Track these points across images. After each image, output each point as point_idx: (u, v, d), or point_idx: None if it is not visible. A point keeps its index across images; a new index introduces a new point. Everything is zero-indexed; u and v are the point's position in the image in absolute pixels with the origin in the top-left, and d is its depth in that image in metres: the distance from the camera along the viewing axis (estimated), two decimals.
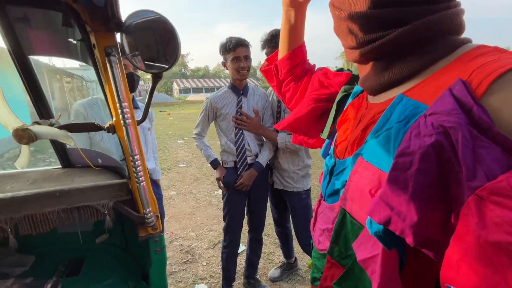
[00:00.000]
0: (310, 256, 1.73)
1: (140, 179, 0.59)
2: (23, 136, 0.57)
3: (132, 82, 1.40)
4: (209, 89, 44.35)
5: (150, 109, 1.56)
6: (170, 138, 7.90)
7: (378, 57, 0.46)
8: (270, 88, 1.77)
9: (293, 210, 1.69)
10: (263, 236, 2.44)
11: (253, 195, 1.70)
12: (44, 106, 0.71)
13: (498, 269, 0.28)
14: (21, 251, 0.87)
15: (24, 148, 0.62)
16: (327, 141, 0.65)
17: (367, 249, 0.45)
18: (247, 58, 1.54)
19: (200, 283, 1.96)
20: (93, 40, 0.54)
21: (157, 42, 0.57)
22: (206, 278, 2.01)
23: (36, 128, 0.59)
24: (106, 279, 0.82)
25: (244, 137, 1.63)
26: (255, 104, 1.64)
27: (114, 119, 0.58)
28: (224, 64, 1.62)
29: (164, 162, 5.28)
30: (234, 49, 1.49)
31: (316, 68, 0.77)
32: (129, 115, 0.55)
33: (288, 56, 0.73)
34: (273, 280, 1.95)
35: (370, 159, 0.44)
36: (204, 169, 4.71)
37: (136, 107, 1.52)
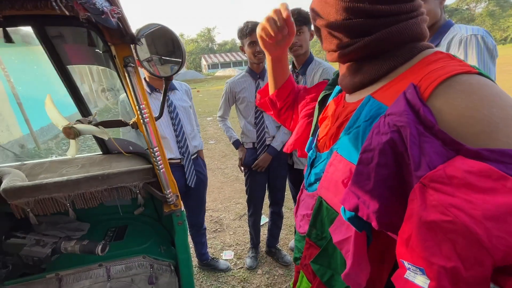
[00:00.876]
0: None
1: (160, 166, 0.72)
2: (70, 132, 0.72)
3: None
4: (236, 63, 43.73)
5: (188, 86, 1.70)
6: (200, 116, 8.21)
7: (352, 60, 0.52)
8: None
9: None
10: (287, 210, 2.59)
11: (272, 173, 1.81)
12: (83, 106, 0.85)
13: (435, 243, 0.32)
14: (80, 220, 1.10)
15: (72, 141, 0.78)
16: (310, 138, 0.69)
17: (341, 232, 0.51)
18: None
19: (227, 249, 2.20)
20: (113, 51, 0.64)
21: (164, 48, 0.66)
22: (233, 245, 2.24)
23: (79, 126, 0.73)
24: (144, 243, 1.01)
25: (264, 120, 1.69)
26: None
27: (136, 117, 0.70)
28: (241, 48, 1.65)
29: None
30: (251, 33, 1.50)
31: (301, 88, 0.81)
32: (147, 114, 0.66)
33: (278, 92, 0.78)
34: (293, 250, 2.11)
35: (343, 153, 0.49)
36: (232, 146, 4.92)
37: (173, 88, 1.57)
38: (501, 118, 0.34)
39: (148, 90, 1.50)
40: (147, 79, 1.51)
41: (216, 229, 2.49)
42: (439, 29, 1.13)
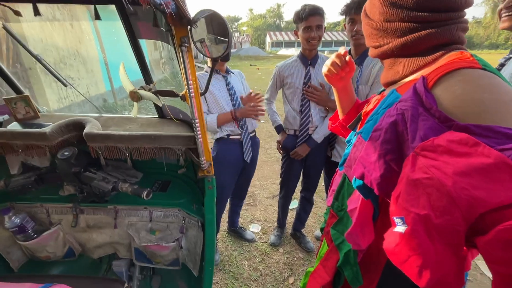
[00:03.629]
0: None
1: (199, 135, 0.83)
2: (134, 96, 0.87)
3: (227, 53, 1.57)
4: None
5: (242, 74, 1.81)
6: None
7: (388, 57, 0.59)
8: None
9: None
10: (320, 200, 2.59)
11: (309, 162, 1.82)
12: (147, 74, 1.01)
13: (416, 196, 0.38)
14: (136, 169, 1.32)
15: (135, 104, 0.94)
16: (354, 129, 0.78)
17: (354, 203, 0.60)
18: (320, 27, 1.49)
19: (256, 223, 2.35)
20: (173, 31, 0.74)
21: (214, 31, 0.73)
22: (261, 220, 2.38)
23: (141, 92, 0.87)
24: (181, 198, 1.18)
25: (310, 108, 1.66)
26: (323, 75, 1.61)
27: (184, 90, 0.81)
28: (295, 32, 1.62)
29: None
30: (307, 18, 1.46)
31: None
32: (193, 89, 0.76)
33: (347, 116, 0.87)
34: (317, 239, 2.14)
35: (364, 136, 0.56)
36: None
37: (229, 72, 1.67)
38: (490, 101, 0.39)
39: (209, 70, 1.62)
40: (208, 63, 1.63)
41: (249, 203, 2.65)
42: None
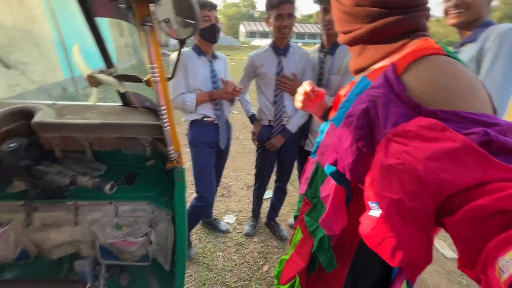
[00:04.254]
0: None
1: (165, 124, 0.78)
2: (92, 81, 0.79)
3: (214, 33, 1.50)
4: (311, 36, 42.05)
5: (226, 58, 1.75)
6: None
7: (357, 44, 0.59)
8: (313, 48, 1.71)
9: None
10: (294, 189, 2.64)
11: (284, 152, 1.82)
12: (107, 57, 0.92)
13: (389, 182, 0.39)
14: (100, 161, 1.23)
15: (94, 89, 0.86)
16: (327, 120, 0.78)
17: (327, 189, 0.61)
18: (291, 15, 1.47)
19: (230, 214, 2.34)
20: (134, 9, 0.67)
21: (181, 11, 0.67)
22: (236, 211, 2.38)
23: (100, 76, 0.80)
24: (149, 191, 1.12)
25: (283, 99, 1.65)
26: (296, 65, 1.61)
27: (149, 75, 0.75)
28: (267, 20, 1.58)
29: None
30: (278, 6, 1.43)
31: None
32: (158, 74, 0.70)
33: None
34: (291, 227, 2.20)
35: (337, 123, 0.57)
36: None
37: (217, 57, 1.64)
38: (456, 87, 0.41)
39: (195, 54, 1.57)
40: (197, 43, 1.58)
41: (224, 194, 2.63)
42: (479, 26, 1.09)
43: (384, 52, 0.53)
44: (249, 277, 1.71)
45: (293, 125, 1.68)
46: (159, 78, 0.71)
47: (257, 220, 2.17)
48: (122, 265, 1.34)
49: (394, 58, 0.50)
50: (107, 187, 0.89)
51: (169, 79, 0.78)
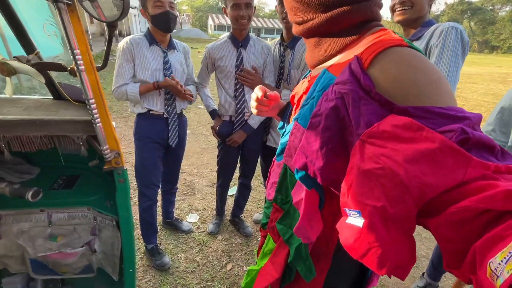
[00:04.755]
0: None
1: (96, 120, 0.68)
2: (3, 69, 0.66)
3: (167, 21, 1.36)
4: (268, 31, 41.72)
5: (187, 47, 1.63)
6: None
7: (313, 35, 0.55)
8: (274, 41, 1.68)
9: None
10: (259, 184, 2.63)
11: (246, 148, 1.79)
12: (26, 41, 0.78)
13: (369, 188, 0.37)
14: (32, 164, 1.07)
15: (8, 79, 0.72)
16: (284, 117, 0.75)
17: (299, 194, 0.56)
18: (249, 6, 1.41)
19: (194, 213, 2.25)
20: None
21: None
22: (200, 210, 2.30)
23: (14, 63, 0.67)
24: (91, 196, 1.00)
25: (244, 93, 1.60)
26: (256, 57, 1.56)
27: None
28: (224, 10, 1.51)
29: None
30: None
31: None
32: (81, 62, 0.60)
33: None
34: (256, 222, 2.18)
35: (301, 122, 0.53)
36: None
37: (173, 48, 1.52)
38: (424, 82, 0.40)
39: (147, 42, 1.43)
40: (150, 30, 1.44)
41: (187, 193, 2.53)
42: (423, 24, 1.15)
43: (342, 44, 0.51)
44: (212, 278, 1.66)
45: (254, 120, 1.64)
46: (83, 67, 0.61)
47: (221, 217, 2.11)
48: (64, 278, 1.20)
49: (355, 50, 0.48)
50: (29, 194, 0.76)
51: (100, 68, 0.68)
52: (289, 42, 1.52)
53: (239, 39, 1.54)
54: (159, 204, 2.01)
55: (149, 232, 1.71)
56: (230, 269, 1.73)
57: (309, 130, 0.48)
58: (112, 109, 4.50)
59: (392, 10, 1.22)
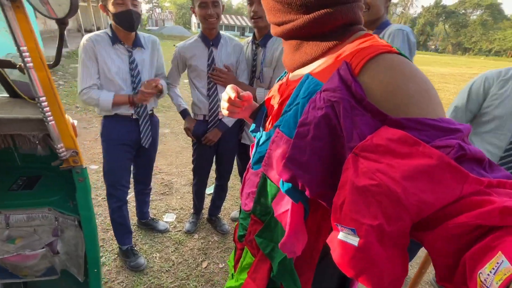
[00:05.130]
0: None
1: (48, 118, 0.67)
2: None
3: (130, 20, 1.32)
4: (228, 27, 41.40)
5: (155, 38, 1.58)
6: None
7: (292, 37, 0.53)
8: (246, 40, 1.70)
9: None
10: (238, 182, 2.65)
11: (221, 148, 1.78)
12: None
13: (365, 205, 0.36)
14: None
15: None
16: (256, 120, 0.70)
17: (282, 206, 0.53)
18: (216, 4, 1.41)
19: (171, 212, 2.24)
20: None
21: None
22: (177, 209, 2.28)
23: None
24: (52, 196, 0.98)
25: (217, 92, 1.59)
26: (228, 56, 1.57)
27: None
28: (192, 9, 1.50)
29: (165, 100, 5.36)
30: None
31: None
32: (29, 59, 0.60)
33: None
34: (234, 220, 2.20)
35: (284, 130, 0.50)
36: None
37: (139, 45, 1.46)
38: (416, 92, 0.39)
39: (110, 40, 1.37)
40: (113, 27, 1.38)
41: (165, 192, 2.50)
42: (379, 26, 1.20)
43: (325, 47, 0.49)
44: (187, 276, 1.66)
45: (229, 118, 1.64)
46: (31, 64, 0.60)
47: (198, 216, 2.10)
48: (26, 282, 1.16)
49: (342, 54, 0.46)
50: None
51: (52, 65, 0.67)
52: (260, 40, 1.54)
53: (210, 38, 1.53)
54: (134, 204, 1.99)
55: (121, 233, 1.68)
56: (205, 267, 1.74)
57: (296, 139, 0.45)
58: (88, 109, 4.35)
59: None
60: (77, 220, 0.95)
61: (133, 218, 2.04)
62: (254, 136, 0.71)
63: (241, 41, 1.68)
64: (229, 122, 1.65)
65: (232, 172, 2.01)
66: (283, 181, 0.48)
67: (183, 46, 1.57)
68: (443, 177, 0.32)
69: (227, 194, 2.12)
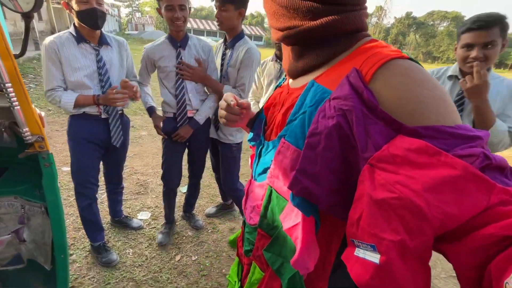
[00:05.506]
0: (233, 198, 1.98)
1: (13, 103, 0.73)
2: None
3: (95, 19, 1.32)
4: (210, 33, 41.43)
5: (124, 40, 1.59)
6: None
7: (296, 43, 0.52)
8: (218, 42, 1.80)
9: (223, 158, 1.83)
10: (213, 180, 2.70)
11: (193, 146, 1.80)
12: None
13: (384, 219, 0.34)
14: None
15: None
16: (253, 128, 0.69)
17: (291, 219, 0.51)
18: (183, 8, 1.45)
19: (145, 210, 2.26)
20: None
21: None
22: (152, 207, 2.31)
23: None
24: (19, 185, 1.01)
25: (186, 91, 1.61)
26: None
27: None
28: (158, 10, 1.53)
29: (142, 104, 5.33)
30: None
31: None
32: None
33: None
34: (208, 216, 2.26)
35: (290, 140, 0.49)
36: None
37: (105, 43, 1.46)
38: (430, 98, 0.37)
39: (74, 40, 1.37)
40: (77, 26, 1.38)
41: (140, 192, 2.52)
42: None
43: (330, 54, 0.48)
44: (160, 269, 1.70)
45: (201, 116, 1.67)
46: None
47: (171, 226, 2.00)
48: None
49: (345, 61, 0.46)
50: None
51: (18, 56, 0.73)
52: (229, 42, 1.64)
53: (177, 40, 1.57)
54: (105, 203, 2.00)
55: (92, 230, 1.69)
56: (178, 260, 1.78)
57: (306, 150, 0.43)
58: (61, 112, 4.24)
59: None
60: (44, 207, 0.99)
61: (106, 217, 2.05)
62: (253, 145, 0.70)
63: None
64: (201, 120, 1.67)
65: (207, 171, 2.06)
66: (293, 194, 0.46)
67: (150, 47, 1.60)
68: (468, 188, 0.31)
69: (203, 192, 2.17)
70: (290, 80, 0.58)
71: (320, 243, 0.50)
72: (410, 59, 0.41)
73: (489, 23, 1.06)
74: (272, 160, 0.54)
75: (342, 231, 0.42)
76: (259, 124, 0.66)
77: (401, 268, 0.33)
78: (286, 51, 0.56)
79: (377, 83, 0.39)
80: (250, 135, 0.69)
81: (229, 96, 0.66)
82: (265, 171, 0.58)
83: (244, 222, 0.71)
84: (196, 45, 1.64)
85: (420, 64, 0.42)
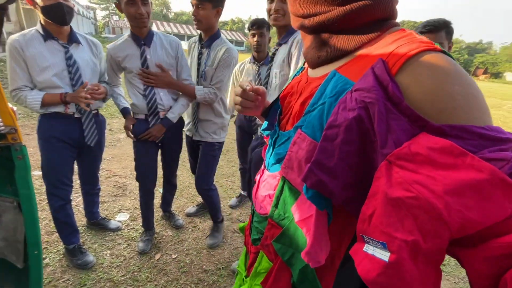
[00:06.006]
0: (205, 197, 1.96)
1: None
2: None
3: (61, 14, 1.28)
4: (191, 37, 41.27)
5: (97, 42, 1.55)
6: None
7: (319, 31, 0.49)
8: (193, 39, 1.83)
9: (202, 155, 1.82)
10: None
11: (166, 146, 1.75)
12: None
13: (398, 218, 0.33)
14: None
15: None
16: (268, 117, 0.68)
17: (303, 211, 0.50)
18: (146, 2, 1.36)
19: (124, 212, 2.22)
20: None
21: None
22: (130, 209, 2.27)
23: None
24: None
25: (156, 92, 1.53)
26: (163, 54, 1.51)
27: None
28: (118, 5, 1.40)
29: None
30: None
31: None
32: None
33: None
34: (188, 215, 2.27)
35: (307, 131, 0.47)
36: None
37: (75, 41, 1.42)
38: (462, 96, 0.35)
39: (41, 37, 1.32)
40: (43, 23, 1.34)
41: (118, 194, 2.47)
42: (289, 30, 1.40)
43: (358, 42, 0.45)
44: (139, 268, 1.68)
45: (174, 114, 1.61)
46: None
47: (151, 233, 1.91)
48: None
49: (371, 50, 0.43)
50: None
51: None
52: (206, 41, 1.65)
53: (141, 37, 1.46)
54: (81, 205, 1.95)
55: (66, 232, 1.64)
56: (158, 259, 1.77)
57: (323, 142, 0.41)
58: (32, 115, 4.05)
59: (269, 13, 1.43)
60: (16, 202, 0.98)
61: (82, 220, 2.00)
62: (267, 135, 0.68)
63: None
64: (174, 118, 1.62)
65: (187, 172, 2.06)
66: (306, 187, 0.45)
67: (113, 47, 1.51)
68: (494, 195, 0.29)
69: (183, 192, 2.17)
70: (309, 70, 0.56)
71: (331, 235, 0.49)
72: (443, 52, 0.38)
73: (437, 27, 1.21)
74: (286, 151, 0.52)
75: (354, 226, 0.41)
76: (274, 113, 0.64)
77: (411, 268, 0.32)
78: (307, 39, 0.54)
79: (405, 76, 0.37)
80: (265, 124, 0.68)
81: (244, 81, 0.64)
82: (278, 161, 0.57)
83: (253, 211, 0.69)
84: (162, 41, 1.54)
85: (454, 58, 0.39)
